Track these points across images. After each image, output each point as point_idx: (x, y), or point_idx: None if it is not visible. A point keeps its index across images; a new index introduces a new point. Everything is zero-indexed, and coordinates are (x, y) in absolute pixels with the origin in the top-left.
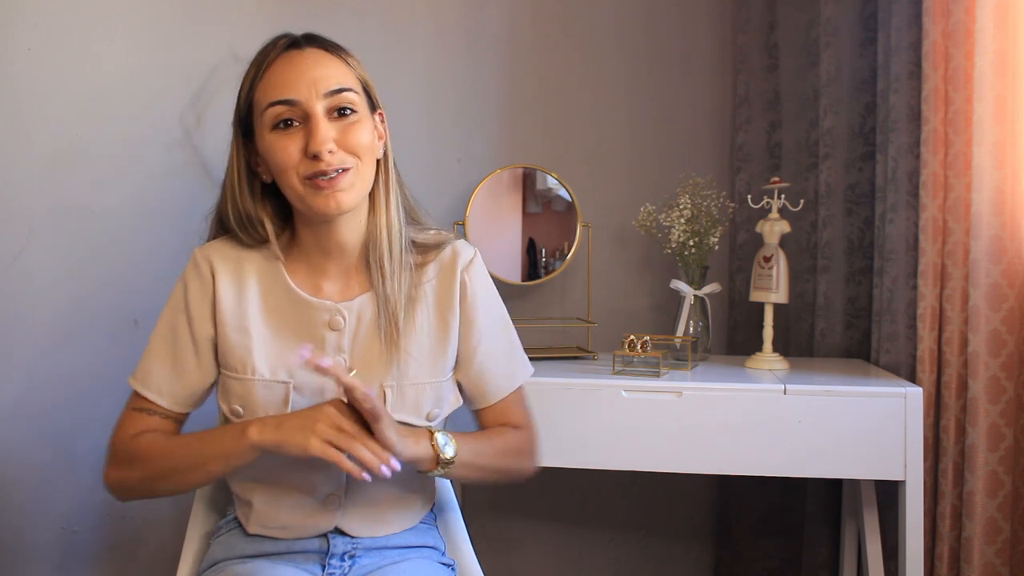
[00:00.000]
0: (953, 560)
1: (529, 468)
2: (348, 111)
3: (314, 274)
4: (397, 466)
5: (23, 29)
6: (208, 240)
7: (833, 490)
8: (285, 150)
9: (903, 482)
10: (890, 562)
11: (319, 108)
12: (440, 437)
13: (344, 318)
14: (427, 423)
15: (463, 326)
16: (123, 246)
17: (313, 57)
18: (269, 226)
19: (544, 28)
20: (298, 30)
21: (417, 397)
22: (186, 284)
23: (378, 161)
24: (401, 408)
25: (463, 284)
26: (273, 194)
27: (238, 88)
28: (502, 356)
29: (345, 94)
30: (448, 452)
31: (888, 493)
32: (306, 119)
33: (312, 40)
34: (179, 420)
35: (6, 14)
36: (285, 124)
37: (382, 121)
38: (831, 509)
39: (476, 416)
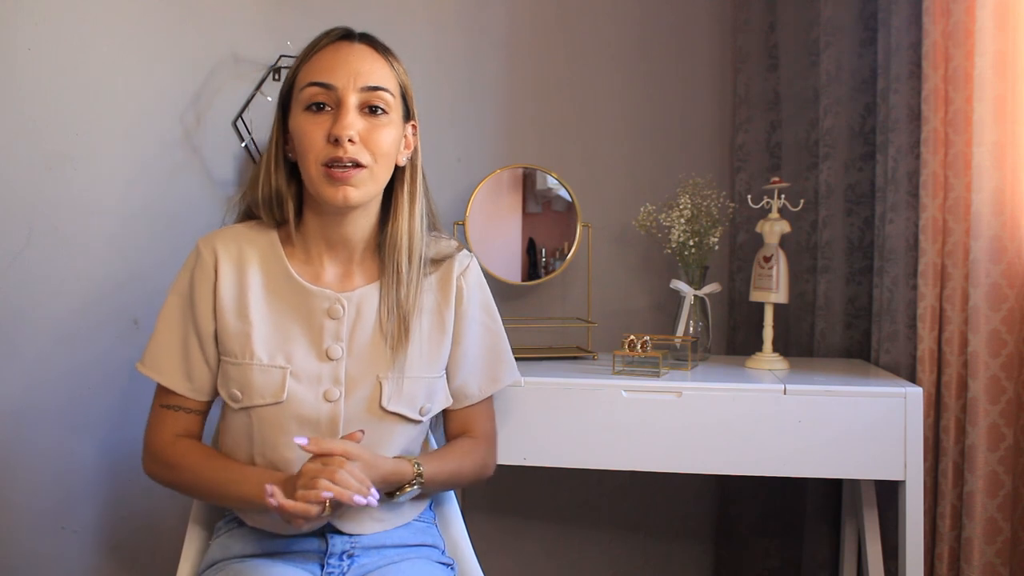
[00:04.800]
0: (953, 560)
1: (488, 476)
2: (380, 110)
3: (314, 263)
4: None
5: (23, 29)
6: (233, 223)
7: (833, 490)
8: (311, 133)
9: (903, 482)
10: (890, 562)
11: (353, 99)
12: (409, 491)
13: (343, 307)
14: (420, 417)
15: (457, 328)
16: (123, 246)
17: (361, 52)
18: (291, 206)
19: (544, 28)
20: (297, 30)
21: (412, 391)
22: (192, 277)
23: (402, 168)
24: (397, 401)
25: (459, 288)
26: (294, 177)
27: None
28: (490, 360)
29: (381, 93)
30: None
31: (888, 493)
32: (338, 105)
33: (365, 37)
34: (205, 411)
35: (6, 14)
36: (317, 107)
37: (414, 132)
38: (831, 509)
39: (444, 415)
